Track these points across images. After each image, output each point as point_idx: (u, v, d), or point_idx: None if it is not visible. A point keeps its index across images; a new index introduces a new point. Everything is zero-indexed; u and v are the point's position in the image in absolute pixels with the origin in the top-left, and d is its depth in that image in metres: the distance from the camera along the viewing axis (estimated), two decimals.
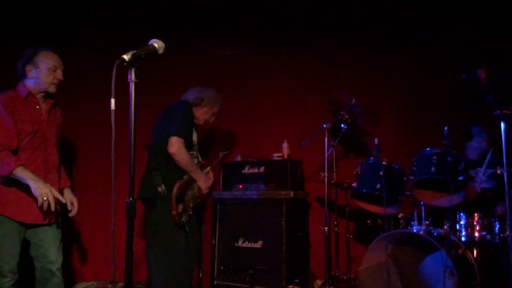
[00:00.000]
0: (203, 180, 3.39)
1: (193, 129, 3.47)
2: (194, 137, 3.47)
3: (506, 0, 4.70)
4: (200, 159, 3.50)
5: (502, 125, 3.17)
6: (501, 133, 3.18)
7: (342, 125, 4.24)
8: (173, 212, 3.15)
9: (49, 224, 2.84)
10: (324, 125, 4.08)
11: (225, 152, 3.79)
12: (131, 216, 1.72)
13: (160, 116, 3.45)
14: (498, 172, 3.48)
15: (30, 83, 2.79)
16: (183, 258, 3.24)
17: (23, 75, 2.80)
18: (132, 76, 1.71)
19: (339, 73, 4.81)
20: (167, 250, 3.19)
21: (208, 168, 3.54)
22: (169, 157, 3.21)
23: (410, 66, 4.76)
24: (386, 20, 4.76)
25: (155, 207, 3.23)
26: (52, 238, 2.84)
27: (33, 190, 2.56)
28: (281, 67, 4.85)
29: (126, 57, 1.71)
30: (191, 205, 3.31)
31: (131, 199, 1.75)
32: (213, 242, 4.27)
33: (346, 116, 4.23)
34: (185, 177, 3.29)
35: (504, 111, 3.19)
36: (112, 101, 1.65)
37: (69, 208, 2.92)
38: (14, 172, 2.57)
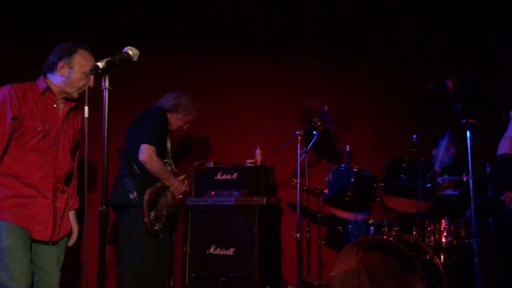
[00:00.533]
0: (176, 187, 3.36)
1: (167, 136, 3.44)
2: (168, 144, 3.43)
3: (474, 13, 4.88)
4: (173, 166, 3.47)
5: (468, 133, 3.29)
6: (467, 141, 3.30)
7: (315, 132, 4.29)
8: (146, 219, 3.11)
9: (55, 242, 2.44)
10: (297, 132, 4.12)
11: (201, 162, 3.78)
12: (104, 225, 1.69)
13: (132, 121, 3.41)
14: (464, 179, 3.60)
15: (56, 80, 2.46)
16: (155, 267, 3.20)
17: (52, 70, 2.46)
18: (106, 83, 1.69)
19: (311, 80, 4.87)
20: (139, 258, 3.14)
21: (182, 177, 3.51)
22: (141, 164, 3.18)
23: (381, 74, 4.86)
24: (357, 28, 4.85)
25: (127, 214, 3.18)
26: (56, 260, 2.46)
27: None
28: (253, 74, 4.88)
29: (100, 64, 1.69)
30: (164, 212, 3.27)
31: (104, 207, 1.72)
32: (185, 249, 4.23)
33: (319, 123, 4.28)
34: (158, 183, 3.25)
35: (470, 120, 3.30)
36: (86, 108, 1.63)
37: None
38: None
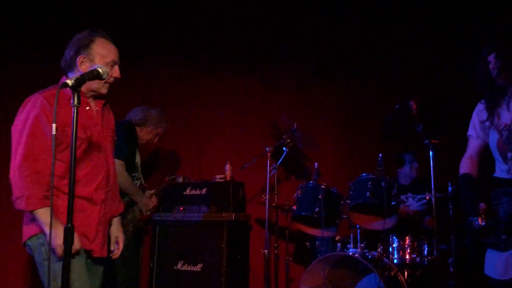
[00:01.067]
0: (144, 203, 3.35)
1: (136, 150, 3.42)
2: (137, 158, 3.42)
3: (440, 35, 5.08)
4: (143, 181, 3.46)
5: (431, 153, 3.40)
6: (430, 161, 3.41)
7: (284, 149, 4.34)
8: None
9: (101, 260, 2.25)
10: (267, 148, 4.17)
11: (172, 177, 3.77)
12: (70, 243, 1.68)
13: None
14: (427, 198, 3.72)
15: None
16: (121, 282, 3.16)
17: (72, 67, 2.20)
18: (74, 100, 1.69)
19: (282, 97, 4.95)
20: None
21: (152, 192, 3.50)
22: None
23: (349, 94, 5.00)
24: (326, 48, 4.98)
25: None
26: (100, 277, 2.29)
27: (52, 240, 1.89)
28: (224, 90, 4.92)
29: (69, 82, 1.69)
30: (130, 228, 3.25)
31: (69, 225, 1.71)
32: (152, 265, 4.18)
33: (288, 140, 4.34)
34: (125, 199, 3.23)
35: (433, 141, 3.43)
36: (53, 126, 1.62)
37: (112, 248, 2.35)
38: (35, 212, 2.02)
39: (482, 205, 2.22)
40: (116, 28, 4.61)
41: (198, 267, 4.01)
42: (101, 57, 2.20)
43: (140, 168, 3.48)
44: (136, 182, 3.35)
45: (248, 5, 4.88)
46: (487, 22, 4.79)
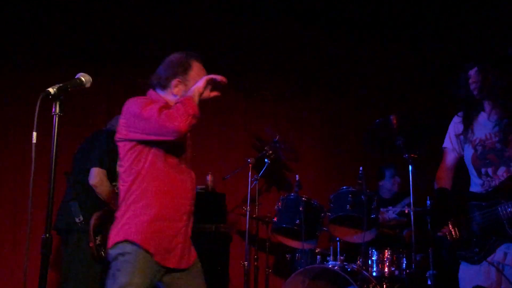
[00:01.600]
0: None
1: (117, 158, 3.38)
2: (118, 167, 3.38)
3: (417, 52, 5.21)
4: None
5: (410, 167, 3.45)
6: (409, 174, 3.46)
7: (266, 160, 4.35)
8: (91, 244, 3.03)
9: (188, 269, 2.21)
10: (249, 160, 4.18)
11: None
12: (47, 254, 1.65)
13: (81, 145, 3.35)
14: (406, 211, 3.76)
15: (170, 99, 2.27)
16: None
17: (164, 87, 2.30)
18: (56, 109, 1.67)
19: (264, 109, 4.98)
20: (84, 284, 3.05)
21: None
22: (89, 187, 3.12)
23: (330, 107, 5.07)
24: (308, 61, 5.05)
25: (71, 238, 3.10)
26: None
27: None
28: (207, 101, 4.90)
29: (51, 90, 1.67)
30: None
31: (47, 235, 1.67)
32: None
33: (270, 152, 4.36)
34: (105, 208, 3.19)
35: (412, 155, 3.48)
36: (34, 134, 1.60)
37: None
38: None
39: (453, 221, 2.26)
40: (94, 35, 4.61)
41: None
42: (195, 82, 2.25)
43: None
44: (116, 191, 3.31)
45: (231, 17, 4.93)
46: (465, 40, 4.93)
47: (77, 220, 3.07)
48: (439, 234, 2.29)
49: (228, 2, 4.82)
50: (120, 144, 2.30)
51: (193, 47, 4.78)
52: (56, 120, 1.69)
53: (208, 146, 4.84)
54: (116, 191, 3.29)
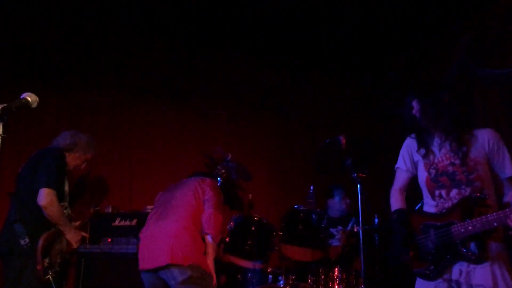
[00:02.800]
0: (73, 234, 3.19)
1: (65, 177, 3.26)
2: (66, 186, 3.26)
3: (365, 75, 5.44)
4: (70, 211, 3.30)
5: (359, 186, 3.55)
6: (358, 193, 3.55)
7: (219, 179, 4.33)
8: (39, 267, 2.89)
9: None
10: None
11: (97, 208, 3.64)
12: None
13: (27, 163, 3.19)
14: (355, 230, 3.85)
15: None
16: None
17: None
18: (0, 130, 1.61)
19: (216, 129, 5.01)
20: None
21: (78, 223, 3.36)
22: (36, 208, 2.98)
23: (281, 128, 5.18)
24: (260, 85, 5.16)
25: (15, 262, 2.94)
26: None
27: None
28: (158, 120, 4.88)
29: None
30: (58, 260, 3.07)
31: None
32: None
33: (222, 171, 4.34)
34: (52, 229, 3.06)
35: (360, 175, 3.59)
36: None
37: None
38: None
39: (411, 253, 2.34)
40: (42, 53, 4.47)
41: None
42: None
43: (68, 197, 3.32)
44: (64, 211, 3.19)
45: (183, 39, 4.95)
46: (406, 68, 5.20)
47: (22, 242, 2.92)
48: (407, 258, 2.36)
49: (183, 30, 4.83)
50: None
51: (146, 69, 4.80)
52: None
53: (158, 165, 4.78)
54: (65, 211, 3.18)
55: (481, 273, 2.17)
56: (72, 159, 3.37)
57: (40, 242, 2.94)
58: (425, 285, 2.34)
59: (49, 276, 2.97)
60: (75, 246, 3.26)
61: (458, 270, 2.23)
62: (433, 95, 2.37)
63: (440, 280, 2.27)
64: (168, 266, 2.91)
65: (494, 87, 4.18)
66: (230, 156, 4.34)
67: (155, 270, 2.99)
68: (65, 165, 3.25)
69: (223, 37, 4.97)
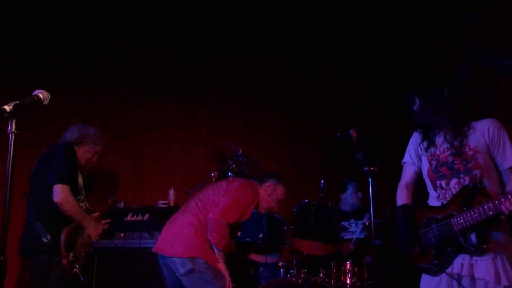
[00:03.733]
0: (93, 228, 3.20)
1: (78, 171, 3.27)
2: (80, 180, 3.26)
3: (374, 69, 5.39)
4: (87, 204, 3.31)
5: (370, 180, 3.53)
6: (369, 187, 3.54)
7: (229, 174, 4.34)
8: (64, 261, 2.91)
9: None
10: (211, 173, 4.16)
11: (114, 198, 3.65)
12: (1, 277, 1.58)
13: (38, 161, 3.20)
14: (367, 223, 3.85)
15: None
16: None
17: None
18: (12, 127, 1.62)
19: (227, 123, 5.01)
20: None
21: (96, 214, 3.36)
22: (53, 205, 2.98)
23: (291, 122, 5.16)
24: (268, 79, 5.16)
25: (41, 260, 2.96)
26: None
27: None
28: (170, 115, 4.89)
29: (7, 108, 1.61)
30: (82, 253, 3.09)
31: (1, 258, 1.61)
32: None
33: (233, 165, 4.35)
34: (73, 224, 3.08)
35: (371, 168, 3.57)
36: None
37: None
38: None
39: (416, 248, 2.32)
40: (52, 49, 4.50)
41: None
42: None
43: (83, 190, 3.33)
44: (81, 205, 3.20)
45: (195, 34, 4.95)
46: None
47: (44, 240, 2.93)
48: (413, 253, 2.34)
49: (195, 25, 4.84)
50: None
51: (154, 60, 4.81)
52: (12, 138, 1.63)
53: (170, 161, 4.80)
54: (81, 204, 3.19)
55: (483, 266, 2.12)
56: (83, 153, 3.35)
57: (62, 237, 2.95)
58: (429, 280, 2.31)
59: (76, 269, 3.00)
60: (95, 239, 3.27)
61: (460, 263, 2.18)
62: (432, 90, 2.35)
63: (443, 274, 2.23)
64: (171, 257, 2.96)
65: (509, 77, 4.13)
66: (240, 151, 4.35)
67: (162, 257, 3.02)
68: (75, 159, 3.24)
69: (233, 32, 4.96)
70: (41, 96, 1.81)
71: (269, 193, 3.36)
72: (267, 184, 3.35)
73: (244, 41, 5.08)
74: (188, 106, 4.96)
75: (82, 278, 3.05)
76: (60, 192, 2.98)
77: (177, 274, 2.96)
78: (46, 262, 2.95)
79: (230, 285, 3.02)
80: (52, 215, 3.00)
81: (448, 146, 2.32)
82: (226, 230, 2.99)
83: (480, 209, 2.08)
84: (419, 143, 2.46)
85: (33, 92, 1.83)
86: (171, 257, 2.97)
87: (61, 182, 2.99)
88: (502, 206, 1.99)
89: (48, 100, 1.86)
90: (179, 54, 4.90)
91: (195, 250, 2.92)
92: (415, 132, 2.57)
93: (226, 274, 3.00)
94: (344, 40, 5.10)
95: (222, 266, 2.98)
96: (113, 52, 4.72)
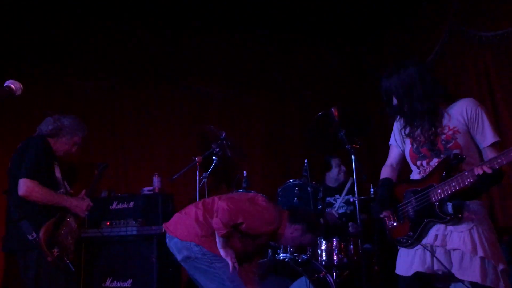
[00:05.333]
0: (76, 205, 3.11)
1: (55, 164, 3.18)
2: (58, 173, 3.17)
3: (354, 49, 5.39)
4: (68, 189, 3.24)
5: (353, 157, 3.56)
6: (352, 164, 3.57)
7: (214, 158, 4.33)
8: (49, 259, 2.88)
9: None
10: (195, 158, 4.14)
11: (103, 165, 3.54)
12: None
13: (13, 157, 3.09)
14: (351, 199, 3.89)
15: None
16: None
17: None
18: None
19: (210, 107, 4.98)
20: None
21: (82, 193, 3.28)
22: (30, 201, 2.92)
23: (275, 104, 5.16)
24: (250, 63, 5.14)
25: (30, 256, 2.91)
26: None
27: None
28: (151, 101, 4.85)
29: None
30: (71, 241, 3.05)
31: None
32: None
33: (217, 149, 4.33)
34: (52, 218, 3.03)
35: (354, 146, 3.59)
36: None
37: None
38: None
39: (388, 209, 2.33)
40: (31, 37, 4.40)
41: (128, 283, 3.90)
42: None
43: (65, 182, 3.25)
44: (60, 191, 3.12)
45: (170, 19, 4.88)
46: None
47: (29, 237, 2.88)
48: (381, 215, 2.36)
49: (169, 9, 4.76)
50: None
51: (135, 51, 4.74)
52: None
53: (153, 147, 4.77)
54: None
55: (458, 236, 2.12)
56: (60, 145, 3.23)
57: (41, 235, 2.88)
58: (405, 253, 2.32)
59: (66, 260, 2.98)
60: (82, 215, 3.19)
61: (434, 234, 2.18)
62: (400, 76, 2.33)
63: (418, 246, 2.24)
64: (169, 238, 2.94)
65: (486, 50, 4.16)
66: (224, 134, 4.32)
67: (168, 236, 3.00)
68: (49, 151, 3.13)
69: (210, 14, 4.90)
70: (13, 86, 1.75)
71: (294, 236, 3.02)
72: (297, 226, 3.00)
73: (222, 23, 5.03)
74: (169, 92, 4.92)
75: (73, 269, 3.03)
76: (23, 186, 2.89)
77: (177, 260, 2.95)
78: (36, 259, 2.90)
79: (237, 266, 2.90)
80: (35, 211, 2.94)
81: (427, 127, 2.32)
82: (229, 218, 2.79)
83: (459, 177, 2.10)
84: (403, 125, 2.47)
85: (4, 84, 1.78)
86: (170, 236, 2.93)
87: (27, 176, 2.90)
88: (478, 169, 2.01)
89: (20, 91, 1.80)
90: (155, 40, 4.85)
91: (193, 237, 2.85)
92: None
93: (230, 258, 2.83)
94: (324, 19, 5.07)
95: (222, 252, 2.86)
96: (93, 42, 4.65)
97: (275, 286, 3.81)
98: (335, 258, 3.83)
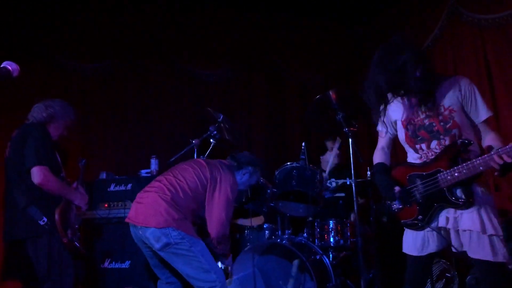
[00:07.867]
0: (80, 199, 3.21)
1: (54, 150, 3.22)
2: (58, 158, 3.24)
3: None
4: (66, 178, 3.30)
5: (350, 140, 3.56)
6: (350, 148, 3.57)
7: (212, 140, 4.33)
8: (65, 240, 2.95)
9: None
10: (194, 141, 4.13)
11: (83, 162, 3.61)
12: None
13: (11, 146, 3.11)
14: (348, 182, 3.91)
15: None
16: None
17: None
18: None
19: (208, 90, 4.96)
20: (69, 283, 3.01)
21: (75, 184, 3.34)
22: (36, 187, 2.96)
23: (271, 85, 5.13)
24: (249, 46, 5.09)
25: (41, 242, 2.95)
26: None
27: None
28: (150, 84, 4.83)
29: None
30: (76, 226, 3.16)
31: None
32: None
33: (215, 132, 4.33)
34: (62, 202, 3.08)
35: (351, 129, 3.59)
36: None
37: None
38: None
39: (397, 188, 2.37)
40: (26, 18, 4.35)
41: (126, 264, 3.93)
42: None
43: (62, 166, 3.30)
44: (63, 181, 3.18)
45: (169, 7, 4.83)
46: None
47: (41, 223, 2.93)
48: (388, 202, 2.40)
49: None
50: None
51: (132, 28, 4.69)
52: None
53: (151, 129, 4.77)
54: (63, 181, 3.16)
55: (468, 218, 2.20)
56: (54, 130, 3.27)
57: (57, 217, 2.96)
58: (413, 236, 2.38)
59: (76, 244, 3.06)
60: (85, 208, 3.30)
61: (444, 217, 2.26)
62: (393, 62, 2.32)
63: (428, 229, 2.32)
64: (144, 229, 2.90)
65: (484, 30, 4.15)
66: (222, 117, 4.31)
67: (135, 227, 3.00)
68: (49, 138, 3.18)
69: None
70: (9, 68, 1.75)
71: (244, 180, 3.35)
72: (244, 170, 3.34)
73: (222, 3, 4.97)
74: (168, 74, 4.90)
75: (81, 249, 3.13)
76: (39, 173, 2.94)
77: (154, 249, 2.94)
78: (47, 243, 2.95)
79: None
80: (42, 197, 2.98)
81: (422, 108, 2.34)
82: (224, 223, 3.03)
83: (470, 165, 2.13)
84: (393, 109, 2.47)
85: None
86: (145, 227, 2.89)
87: (38, 163, 2.94)
88: (492, 162, 2.06)
89: (17, 72, 1.79)
90: (154, 19, 4.80)
91: (170, 222, 2.86)
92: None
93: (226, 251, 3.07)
94: (323, 0, 5.03)
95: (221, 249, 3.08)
96: (91, 23, 4.59)
97: (273, 267, 3.86)
98: (331, 239, 3.87)
